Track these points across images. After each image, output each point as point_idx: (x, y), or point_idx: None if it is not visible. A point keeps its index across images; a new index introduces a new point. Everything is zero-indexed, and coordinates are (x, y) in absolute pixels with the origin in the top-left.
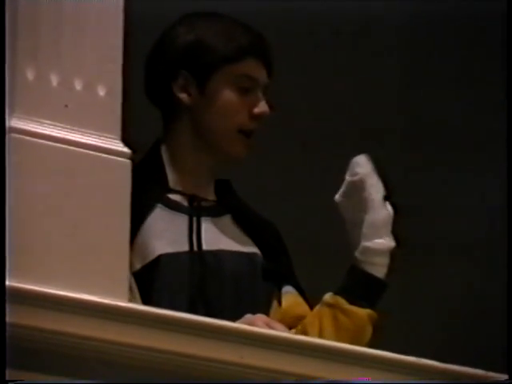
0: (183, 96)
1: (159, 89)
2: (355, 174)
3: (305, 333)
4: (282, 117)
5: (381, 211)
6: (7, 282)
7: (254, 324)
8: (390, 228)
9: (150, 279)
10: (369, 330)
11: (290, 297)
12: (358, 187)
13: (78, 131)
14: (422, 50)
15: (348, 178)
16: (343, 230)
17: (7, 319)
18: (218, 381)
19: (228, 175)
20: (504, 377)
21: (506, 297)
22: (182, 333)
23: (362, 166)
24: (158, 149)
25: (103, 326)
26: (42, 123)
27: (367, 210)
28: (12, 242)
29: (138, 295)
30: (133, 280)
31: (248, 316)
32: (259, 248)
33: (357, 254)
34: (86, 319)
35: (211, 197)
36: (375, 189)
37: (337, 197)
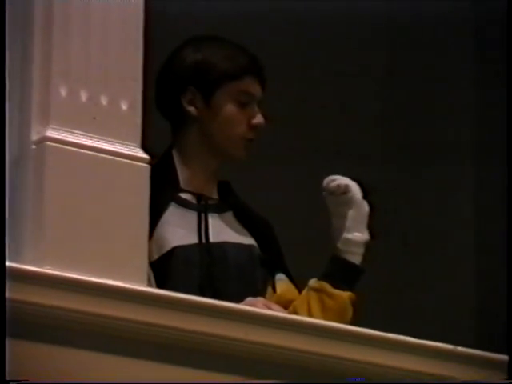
0: (191, 109)
1: (169, 102)
2: (336, 185)
3: (295, 314)
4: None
5: (361, 208)
6: (44, 270)
7: (255, 305)
8: (366, 223)
9: (165, 268)
10: (350, 310)
11: (282, 283)
12: (342, 190)
13: (104, 140)
14: (419, 50)
15: (327, 193)
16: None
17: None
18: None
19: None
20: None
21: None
22: (193, 313)
23: (336, 178)
24: (170, 154)
25: (127, 308)
26: (73, 133)
27: (351, 207)
28: (49, 232)
29: (153, 282)
30: (150, 270)
31: (249, 299)
32: (256, 240)
33: (339, 244)
34: (111, 302)
35: (215, 196)
36: (356, 189)
37: (324, 192)
